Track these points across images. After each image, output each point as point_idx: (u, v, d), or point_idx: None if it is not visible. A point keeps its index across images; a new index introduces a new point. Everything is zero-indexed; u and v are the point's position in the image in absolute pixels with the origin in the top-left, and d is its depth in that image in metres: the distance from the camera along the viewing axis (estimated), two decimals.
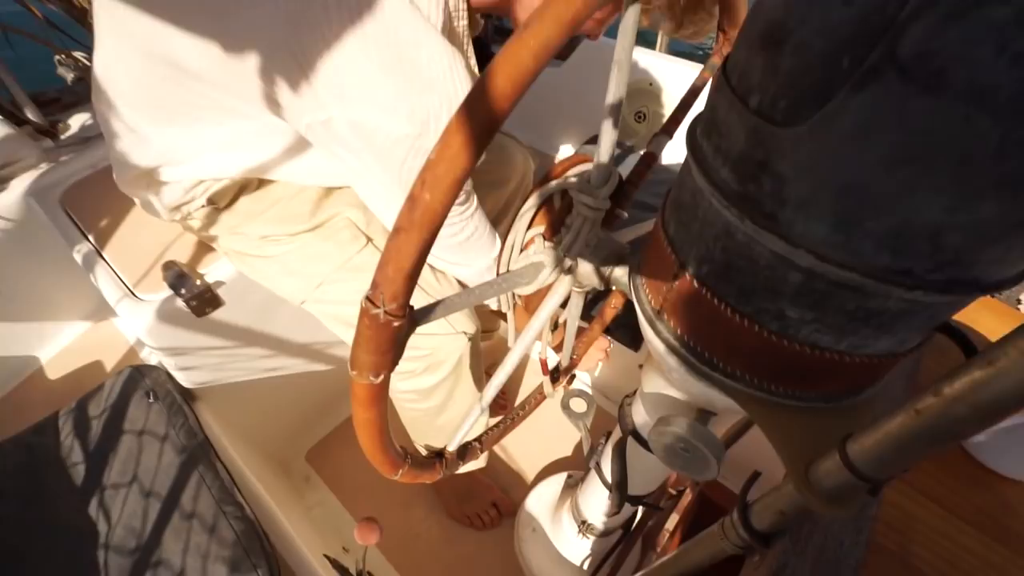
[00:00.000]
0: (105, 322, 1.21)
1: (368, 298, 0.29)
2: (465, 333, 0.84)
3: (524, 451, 1.30)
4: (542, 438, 1.32)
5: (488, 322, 1.15)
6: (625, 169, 0.89)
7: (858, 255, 0.26)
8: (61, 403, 0.86)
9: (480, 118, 0.24)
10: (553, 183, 0.46)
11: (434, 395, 0.88)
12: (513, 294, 0.57)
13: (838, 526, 0.41)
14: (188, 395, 0.89)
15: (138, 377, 0.86)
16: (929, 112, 0.21)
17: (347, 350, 0.34)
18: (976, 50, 0.19)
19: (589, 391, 1.24)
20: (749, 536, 0.40)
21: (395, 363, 0.33)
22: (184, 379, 0.89)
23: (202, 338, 0.84)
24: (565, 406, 0.71)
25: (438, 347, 0.83)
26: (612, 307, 0.77)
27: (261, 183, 0.80)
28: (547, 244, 0.48)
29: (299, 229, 0.80)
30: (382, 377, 0.32)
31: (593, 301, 1.14)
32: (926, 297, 0.27)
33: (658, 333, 0.40)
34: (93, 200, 0.89)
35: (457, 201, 0.74)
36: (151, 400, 0.82)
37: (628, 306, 1.14)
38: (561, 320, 0.70)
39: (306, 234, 0.81)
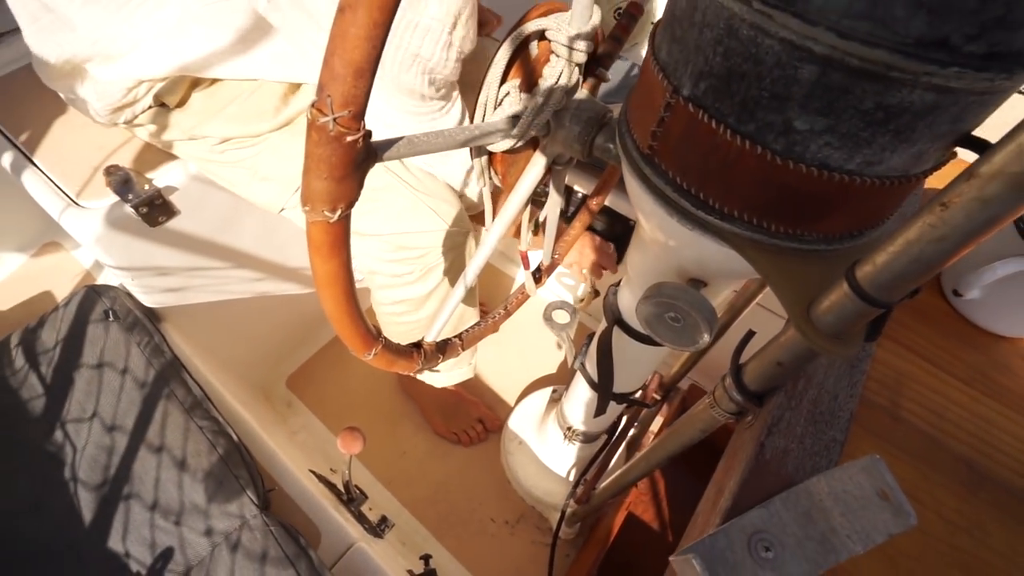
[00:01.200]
0: (53, 246, 1.13)
1: (314, 106, 0.24)
2: (459, 230, 0.81)
3: (509, 368, 1.30)
4: (526, 355, 1.32)
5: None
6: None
7: (888, 23, 0.22)
8: (10, 331, 0.80)
9: None
10: (528, 24, 0.40)
11: (427, 304, 0.85)
12: (491, 178, 0.53)
13: (832, 380, 0.39)
14: (152, 315, 0.85)
15: (95, 297, 0.80)
16: None
17: None
18: None
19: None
20: (743, 397, 0.38)
21: (354, 196, 0.29)
22: (146, 299, 0.84)
23: (160, 252, 0.79)
24: (547, 317, 0.68)
25: (432, 246, 0.79)
26: (595, 204, 0.73)
27: (210, 85, 0.72)
28: (523, 95, 0.43)
29: (265, 128, 0.73)
30: (339, 212, 0.28)
31: (576, 207, 1.10)
32: (959, 81, 0.23)
33: (646, 180, 0.36)
34: (16, 102, 0.80)
35: (438, 95, 0.68)
36: (110, 319, 0.78)
37: (611, 215, 1.10)
38: (542, 218, 0.66)
39: (273, 133, 0.74)
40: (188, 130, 0.72)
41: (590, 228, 1.12)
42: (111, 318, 0.78)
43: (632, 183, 0.39)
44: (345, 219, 0.29)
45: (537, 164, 0.50)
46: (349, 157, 0.26)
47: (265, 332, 1.15)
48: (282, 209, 0.78)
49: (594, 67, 0.47)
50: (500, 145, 0.44)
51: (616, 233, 1.12)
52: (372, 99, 0.25)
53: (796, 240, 0.33)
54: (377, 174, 0.75)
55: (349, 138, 0.25)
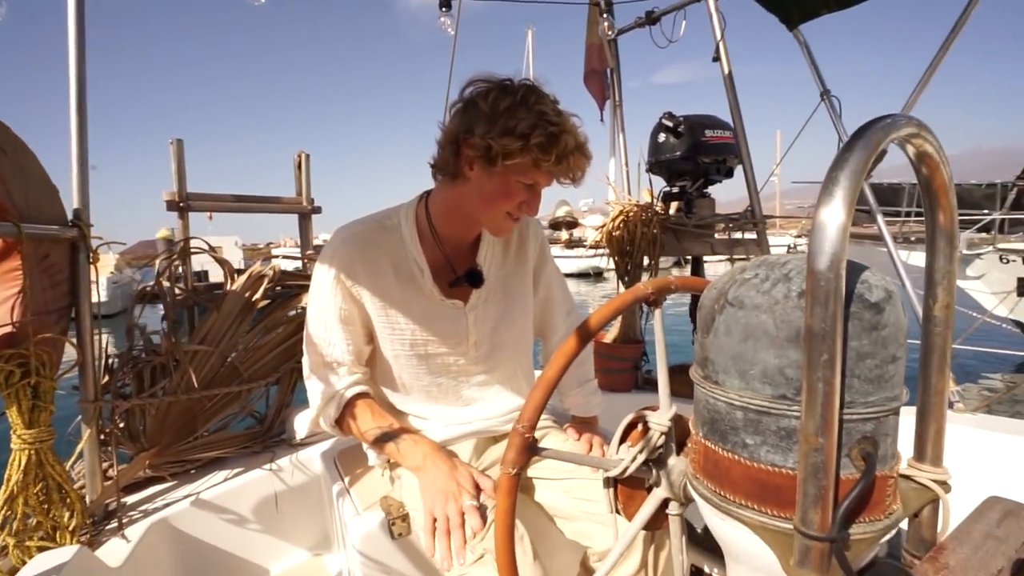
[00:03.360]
0: (318, 557, 1.50)
1: (515, 426, 0.60)
2: None
3: None
4: None
5: None
6: None
7: (755, 391, 0.51)
8: None
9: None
10: (642, 414, 0.75)
11: None
12: (616, 508, 0.77)
13: None
14: None
15: None
16: (747, 318, 0.52)
17: None
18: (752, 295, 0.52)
19: None
20: None
21: (524, 467, 0.60)
22: None
23: (397, 558, 1.09)
24: None
25: None
26: None
27: None
28: (634, 447, 0.73)
29: None
30: (516, 471, 0.59)
31: None
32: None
33: (697, 490, 0.60)
34: (357, 462, 1.35)
35: None
36: None
37: None
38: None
39: None
40: None
41: None
42: None
43: (693, 493, 0.62)
44: (518, 475, 0.60)
45: (650, 501, 0.74)
46: (527, 445, 0.60)
47: None
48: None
49: (685, 443, 0.76)
50: (613, 471, 0.72)
51: None
52: None
53: (781, 520, 0.51)
54: None
55: (527, 435, 0.59)
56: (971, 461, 1.22)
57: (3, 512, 1.04)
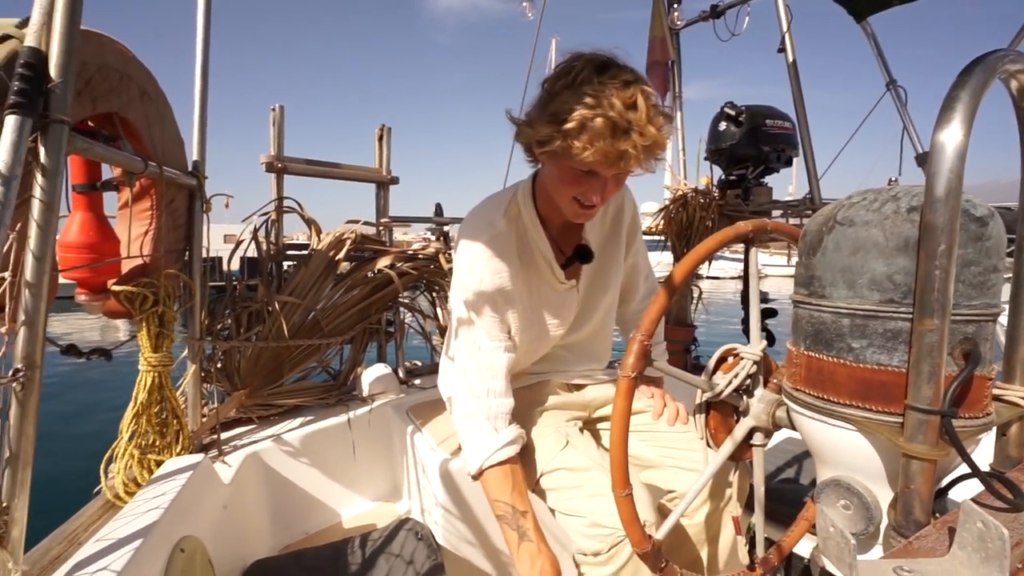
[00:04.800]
0: (388, 503, 1.61)
1: (634, 334, 0.68)
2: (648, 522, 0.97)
3: None
4: None
5: None
6: None
7: (864, 297, 0.58)
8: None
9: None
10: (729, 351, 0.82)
11: None
12: (707, 428, 0.84)
13: None
14: (439, 549, 1.15)
15: (410, 523, 1.17)
16: (857, 233, 0.58)
17: None
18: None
19: None
20: None
21: (641, 372, 0.67)
22: (439, 535, 1.17)
23: (470, 499, 1.17)
24: None
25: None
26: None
27: None
28: (728, 373, 0.80)
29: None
30: (636, 374, 0.67)
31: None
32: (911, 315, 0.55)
33: (796, 400, 0.66)
34: (428, 414, 1.44)
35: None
36: (418, 537, 1.11)
37: None
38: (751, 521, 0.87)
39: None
40: None
41: None
42: (418, 538, 1.11)
43: (793, 406, 0.68)
44: (633, 380, 0.67)
45: (740, 428, 0.81)
46: (645, 350, 0.67)
47: None
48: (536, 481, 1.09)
49: (769, 379, 0.82)
50: (710, 394, 0.79)
51: None
52: None
53: (887, 414, 0.57)
54: (582, 458, 1.02)
55: (644, 342, 0.67)
56: None
57: (131, 426, 1.16)
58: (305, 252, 1.63)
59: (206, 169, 1.35)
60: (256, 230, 1.53)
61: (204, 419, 1.42)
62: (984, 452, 0.66)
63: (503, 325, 1.02)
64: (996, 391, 0.64)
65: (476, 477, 0.99)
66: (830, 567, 0.54)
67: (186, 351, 1.35)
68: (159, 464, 1.18)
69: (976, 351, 0.55)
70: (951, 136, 0.50)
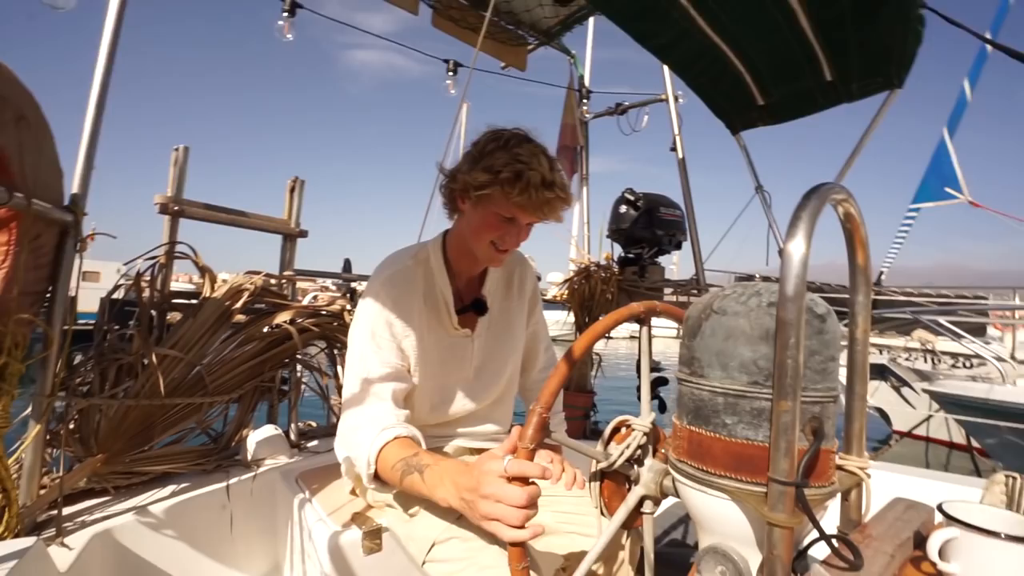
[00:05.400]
0: None
1: (533, 407, 0.71)
2: None
3: None
4: None
5: None
6: None
7: (734, 378, 0.66)
8: None
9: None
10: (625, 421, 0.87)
11: None
12: (600, 503, 0.87)
13: None
14: None
15: None
16: (729, 322, 0.67)
17: None
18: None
19: None
20: None
21: (539, 445, 0.70)
22: None
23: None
24: None
25: None
26: None
27: None
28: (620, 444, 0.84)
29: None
30: (534, 447, 0.69)
31: None
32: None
33: (680, 471, 0.72)
34: (318, 481, 1.34)
35: None
36: None
37: None
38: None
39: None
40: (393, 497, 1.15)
41: None
42: None
43: (675, 474, 0.73)
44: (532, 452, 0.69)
45: (631, 497, 0.85)
46: (543, 424, 0.70)
47: None
48: (423, 563, 1.05)
49: (658, 449, 0.88)
50: (603, 464, 0.83)
51: None
52: None
53: (754, 485, 0.64)
54: (477, 529, 0.97)
55: (544, 415, 0.70)
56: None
57: None
58: (195, 302, 1.51)
59: (87, 205, 1.24)
60: (139, 274, 1.39)
61: (43, 491, 1.21)
62: (832, 516, 0.75)
63: (400, 353, 1.08)
64: (839, 462, 0.75)
65: (373, 477, 0.96)
66: None
67: (30, 408, 1.17)
68: None
69: (822, 428, 0.64)
70: (796, 248, 0.61)
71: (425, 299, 1.13)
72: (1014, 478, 0.96)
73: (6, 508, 1.07)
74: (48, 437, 1.23)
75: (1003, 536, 0.54)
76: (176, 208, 1.44)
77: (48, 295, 1.19)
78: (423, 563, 1.07)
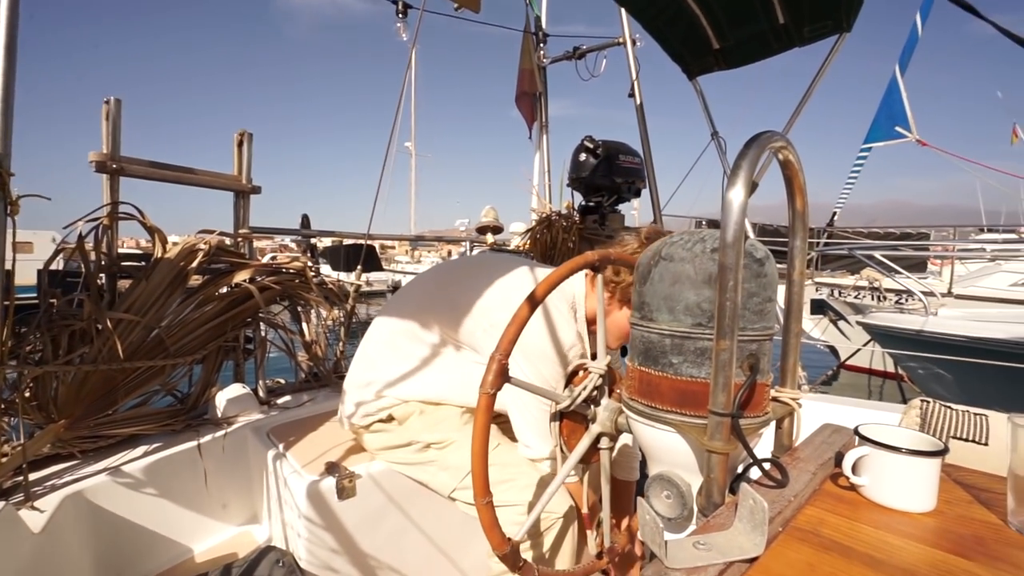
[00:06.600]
0: (246, 531, 1.47)
1: (493, 354, 0.74)
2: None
3: None
4: None
5: None
6: None
7: (680, 321, 0.70)
8: None
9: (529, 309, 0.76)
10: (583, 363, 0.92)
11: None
12: (560, 441, 0.93)
13: None
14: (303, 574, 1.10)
15: (271, 551, 1.11)
16: (675, 268, 0.71)
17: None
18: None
19: None
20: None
21: (499, 389, 0.74)
22: (303, 560, 1.12)
23: (336, 520, 1.14)
24: None
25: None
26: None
27: (427, 408, 1.24)
28: (577, 389, 0.90)
29: (454, 435, 1.20)
30: (493, 391, 0.73)
31: None
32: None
33: (632, 408, 0.77)
34: (290, 435, 1.37)
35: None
36: (280, 565, 1.05)
37: None
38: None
39: (458, 436, 1.20)
40: (405, 439, 1.20)
41: None
42: (280, 564, 1.05)
43: (634, 422, 0.79)
44: (493, 396, 0.73)
45: (588, 435, 0.91)
46: (503, 369, 0.73)
47: None
48: (453, 490, 1.14)
49: (613, 390, 0.94)
50: (562, 405, 0.88)
51: None
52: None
53: (696, 418, 0.70)
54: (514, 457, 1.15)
55: (503, 361, 0.73)
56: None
57: None
58: (145, 264, 1.46)
59: (12, 165, 1.15)
60: (82, 238, 1.33)
61: (5, 459, 1.20)
62: (768, 442, 0.83)
63: None
64: (774, 394, 0.82)
65: None
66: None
67: None
68: None
69: (758, 364, 0.70)
70: (736, 195, 0.64)
71: None
72: (928, 402, 1.07)
73: None
74: (3, 407, 1.20)
75: (904, 451, 0.61)
76: (115, 166, 1.36)
77: None
78: (453, 490, 1.16)
